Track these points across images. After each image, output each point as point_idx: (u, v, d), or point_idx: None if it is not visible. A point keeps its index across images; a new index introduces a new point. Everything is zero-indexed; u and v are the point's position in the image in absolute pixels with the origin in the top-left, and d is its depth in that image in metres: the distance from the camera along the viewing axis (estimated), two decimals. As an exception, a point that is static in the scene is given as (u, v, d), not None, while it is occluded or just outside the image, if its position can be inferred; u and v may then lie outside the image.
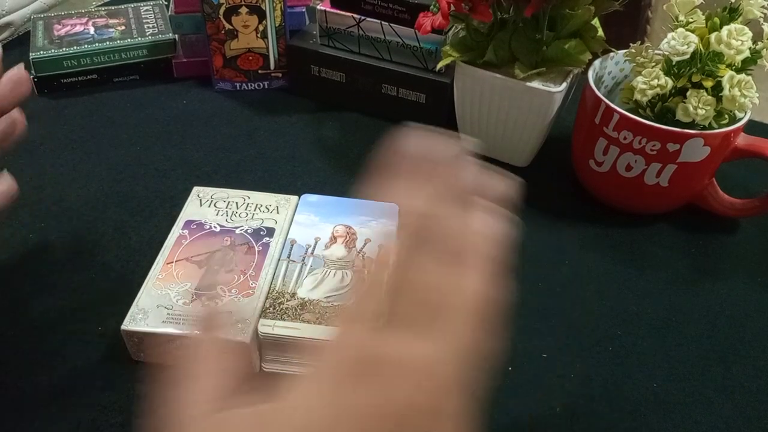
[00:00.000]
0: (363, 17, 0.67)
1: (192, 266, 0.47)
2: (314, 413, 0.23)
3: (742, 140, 0.54)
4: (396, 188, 0.27)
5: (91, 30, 0.77)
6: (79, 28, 0.77)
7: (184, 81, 0.76)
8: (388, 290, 0.25)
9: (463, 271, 0.26)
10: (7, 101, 0.40)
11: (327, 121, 0.71)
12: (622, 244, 0.57)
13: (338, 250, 0.49)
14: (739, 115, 0.53)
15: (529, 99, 0.58)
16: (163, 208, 0.59)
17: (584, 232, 0.58)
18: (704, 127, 0.51)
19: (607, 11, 0.58)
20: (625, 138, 0.53)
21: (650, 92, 0.52)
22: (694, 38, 0.50)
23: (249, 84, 0.75)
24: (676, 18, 0.53)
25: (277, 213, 0.52)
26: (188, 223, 0.50)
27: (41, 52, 0.72)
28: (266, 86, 0.75)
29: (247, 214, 0.51)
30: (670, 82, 0.51)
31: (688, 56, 0.50)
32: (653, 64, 0.53)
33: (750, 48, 0.50)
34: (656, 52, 0.54)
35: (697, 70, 0.51)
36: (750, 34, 0.50)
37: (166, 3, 0.82)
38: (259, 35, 0.71)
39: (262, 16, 0.70)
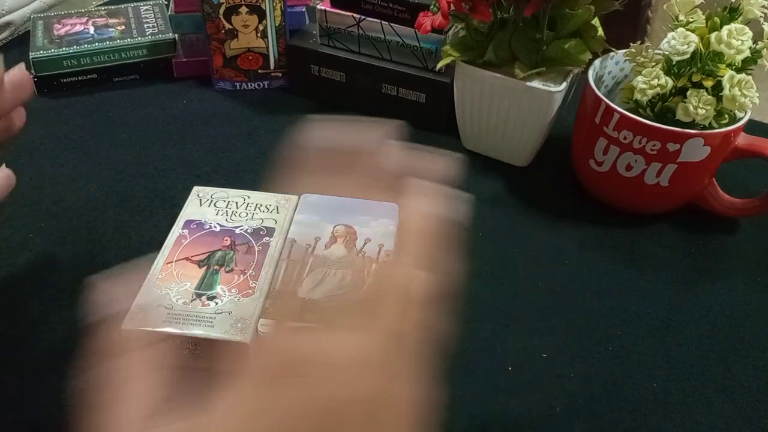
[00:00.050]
0: (363, 17, 0.67)
1: (192, 266, 0.47)
2: (246, 422, 0.23)
3: (743, 140, 0.54)
4: (303, 183, 0.27)
5: (91, 30, 0.77)
6: (78, 28, 0.77)
7: (184, 81, 0.76)
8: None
9: (397, 258, 0.26)
10: (9, 105, 0.40)
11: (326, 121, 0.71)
12: (622, 244, 0.57)
13: (338, 250, 0.49)
14: (739, 114, 0.53)
15: (529, 99, 0.58)
16: (163, 208, 0.59)
17: (584, 232, 0.58)
18: (704, 127, 0.51)
19: (607, 11, 0.58)
20: (625, 138, 0.53)
21: (650, 92, 0.52)
22: (694, 38, 0.50)
23: (249, 84, 0.75)
24: (677, 18, 0.53)
25: (277, 213, 0.52)
26: (188, 223, 0.50)
27: (41, 52, 0.72)
28: (266, 86, 0.75)
29: (247, 213, 0.51)
30: (670, 82, 0.51)
31: (688, 56, 0.50)
32: (653, 63, 0.53)
33: (750, 48, 0.50)
34: (656, 51, 0.54)
35: (698, 69, 0.51)
36: (750, 33, 0.50)
37: (166, 3, 0.82)
38: (259, 35, 0.71)
39: (262, 15, 0.70)
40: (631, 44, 0.56)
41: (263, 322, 0.43)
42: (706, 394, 0.46)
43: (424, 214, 0.27)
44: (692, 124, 0.51)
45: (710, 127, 0.52)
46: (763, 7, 0.51)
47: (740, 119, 0.53)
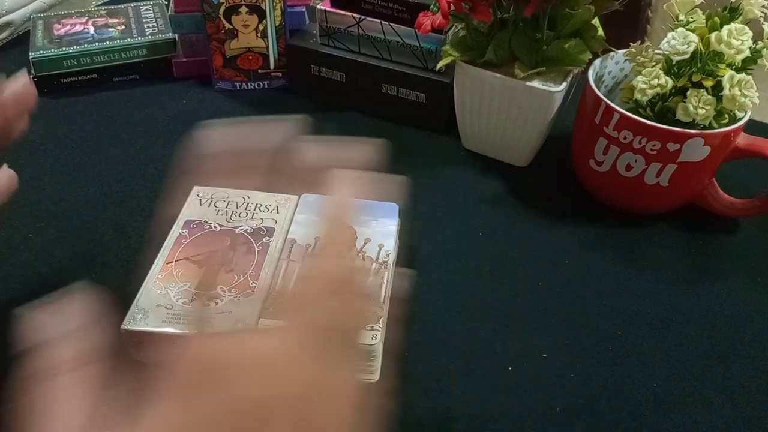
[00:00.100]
0: (363, 17, 0.67)
1: (192, 266, 0.47)
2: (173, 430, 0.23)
3: (742, 140, 0.54)
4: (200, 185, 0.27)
5: (91, 29, 0.77)
6: (78, 28, 0.77)
7: (183, 81, 0.76)
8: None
9: (321, 250, 0.25)
10: (11, 114, 0.40)
11: (327, 120, 0.71)
12: (622, 244, 0.57)
13: (338, 250, 0.49)
14: (739, 114, 0.53)
15: (529, 99, 0.58)
16: (163, 208, 0.59)
17: (584, 232, 0.58)
18: (704, 127, 0.51)
19: (607, 11, 0.58)
20: (625, 138, 0.53)
21: (650, 92, 0.52)
22: (694, 38, 0.50)
23: (249, 83, 0.75)
24: (677, 17, 0.53)
25: (277, 213, 0.52)
26: (188, 223, 0.50)
27: (41, 52, 0.72)
28: (266, 86, 0.75)
29: (247, 213, 0.51)
30: (670, 82, 0.51)
31: (688, 56, 0.50)
32: (653, 63, 0.53)
33: (750, 47, 0.50)
34: (656, 51, 0.54)
35: (698, 69, 0.51)
36: (750, 33, 0.50)
37: (166, 2, 0.82)
38: (259, 35, 0.71)
39: (262, 15, 0.70)
40: (631, 44, 0.56)
41: (263, 322, 0.43)
42: (706, 394, 0.46)
43: (348, 204, 0.27)
44: (692, 124, 0.51)
45: (710, 127, 0.52)
46: (763, 7, 0.51)
47: (740, 119, 0.53)
